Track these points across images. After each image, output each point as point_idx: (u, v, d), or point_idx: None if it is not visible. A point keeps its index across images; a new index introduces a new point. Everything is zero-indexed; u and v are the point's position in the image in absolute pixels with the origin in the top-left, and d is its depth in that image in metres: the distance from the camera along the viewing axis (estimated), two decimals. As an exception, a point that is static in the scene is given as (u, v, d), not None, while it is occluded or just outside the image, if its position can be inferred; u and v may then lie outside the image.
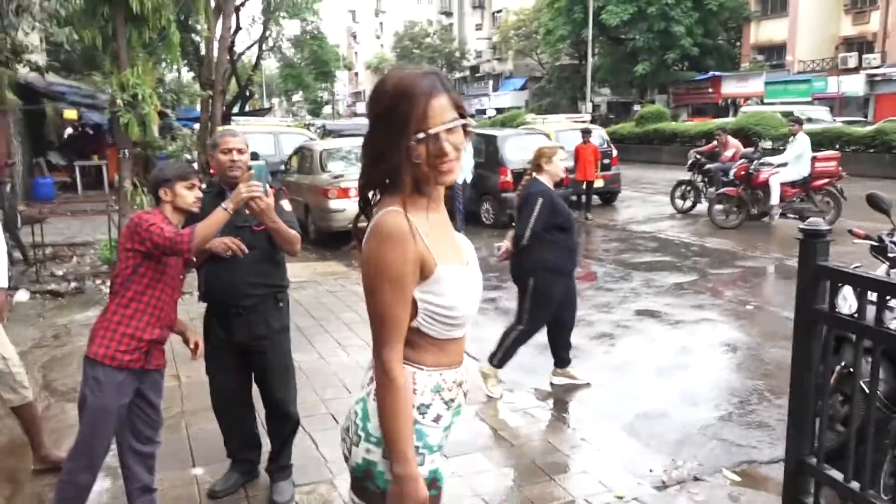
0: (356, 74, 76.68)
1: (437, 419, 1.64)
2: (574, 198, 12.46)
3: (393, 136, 1.50)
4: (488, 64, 55.23)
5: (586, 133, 13.08)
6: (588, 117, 17.43)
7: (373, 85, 1.69)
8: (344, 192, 10.22)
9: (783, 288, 7.80)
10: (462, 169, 7.37)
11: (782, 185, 10.76)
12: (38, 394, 4.63)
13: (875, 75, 29.99)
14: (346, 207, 10.17)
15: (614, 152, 14.38)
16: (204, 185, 3.19)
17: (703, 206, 12.44)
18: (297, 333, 6.16)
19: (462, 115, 1.55)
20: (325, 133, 17.27)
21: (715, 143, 13.26)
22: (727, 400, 4.74)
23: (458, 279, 1.60)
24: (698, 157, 13.13)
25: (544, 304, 4.66)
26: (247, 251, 3.06)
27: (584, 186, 12.77)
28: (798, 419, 2.73)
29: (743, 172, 11.26)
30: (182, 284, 3.09)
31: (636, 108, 36.23)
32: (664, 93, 39.59)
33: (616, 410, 4.55)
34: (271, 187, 3.05)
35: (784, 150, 11.67)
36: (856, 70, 30.64)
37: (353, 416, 1.67)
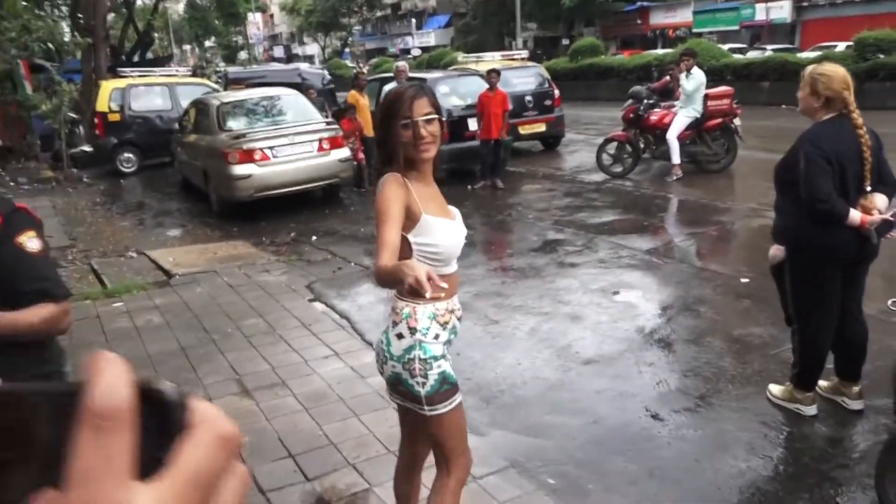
0: (271, 16, 72.23)
1: (436, 337, 2.21)
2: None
3: (390, 125, 2.21)
4: (410, 1, 52.62)
5: (494, 75, 9.88)
6: (525, 53, 15.76)
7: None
8: (247, 155, 8.43)
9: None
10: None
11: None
12: None
13: (802, 0, 29.37)
14: (251, 173, 8.42)
15: (556, 92, 12.89)
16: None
17: (645, 171, 10.42)
18: (180, 358, 4.64)
19: (438, 113, 2.23)
20: (228, 82, 15.04)
21: (668, 78, 10.80)
22: (757, 430, 3.55)
23: (444, 228, 2.24)
24: (649, 98, 10.24)
25: None
26: None
27: (492, 146, 9.90)
28: None
29: (631, 115, 10.11)
30: None
31: (565, 42, 34.85)
32: (591, 25, 38.32)
33: (622, 467, 3.29)
34: None
35: (672, 88, 10.32)
36: (783, -5, 29.97)
37: (380, 344, 2.28)
